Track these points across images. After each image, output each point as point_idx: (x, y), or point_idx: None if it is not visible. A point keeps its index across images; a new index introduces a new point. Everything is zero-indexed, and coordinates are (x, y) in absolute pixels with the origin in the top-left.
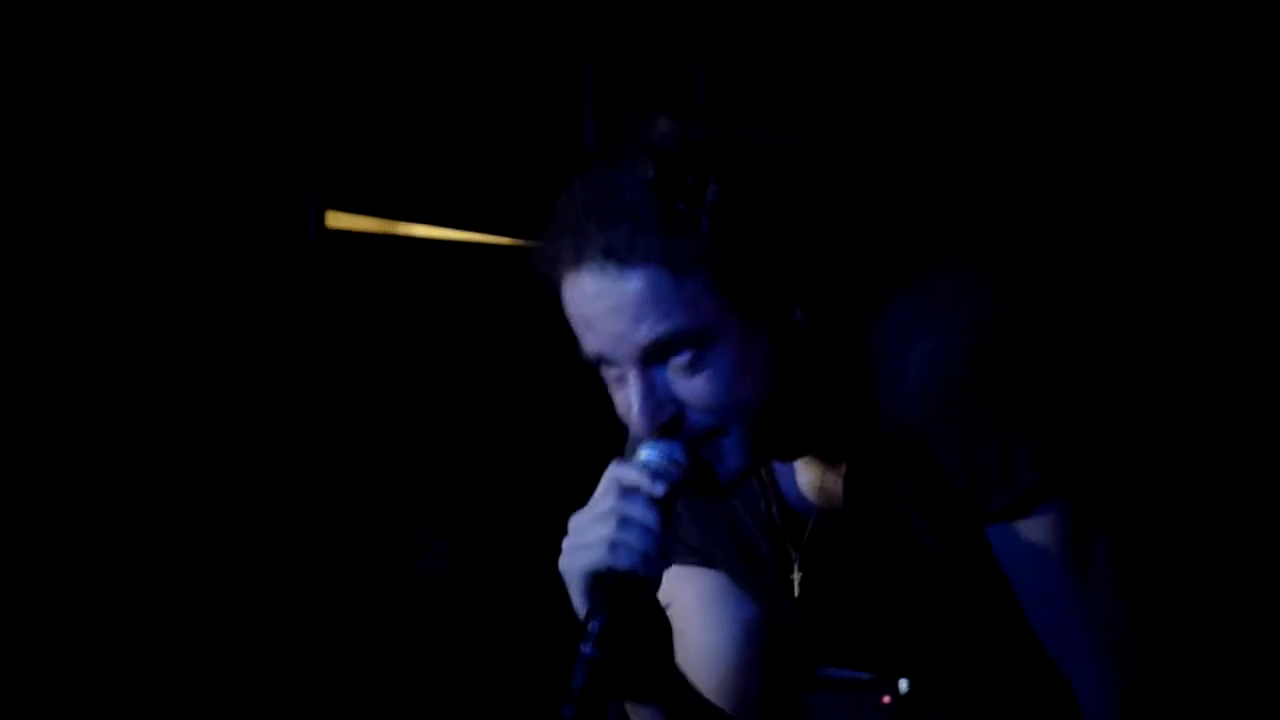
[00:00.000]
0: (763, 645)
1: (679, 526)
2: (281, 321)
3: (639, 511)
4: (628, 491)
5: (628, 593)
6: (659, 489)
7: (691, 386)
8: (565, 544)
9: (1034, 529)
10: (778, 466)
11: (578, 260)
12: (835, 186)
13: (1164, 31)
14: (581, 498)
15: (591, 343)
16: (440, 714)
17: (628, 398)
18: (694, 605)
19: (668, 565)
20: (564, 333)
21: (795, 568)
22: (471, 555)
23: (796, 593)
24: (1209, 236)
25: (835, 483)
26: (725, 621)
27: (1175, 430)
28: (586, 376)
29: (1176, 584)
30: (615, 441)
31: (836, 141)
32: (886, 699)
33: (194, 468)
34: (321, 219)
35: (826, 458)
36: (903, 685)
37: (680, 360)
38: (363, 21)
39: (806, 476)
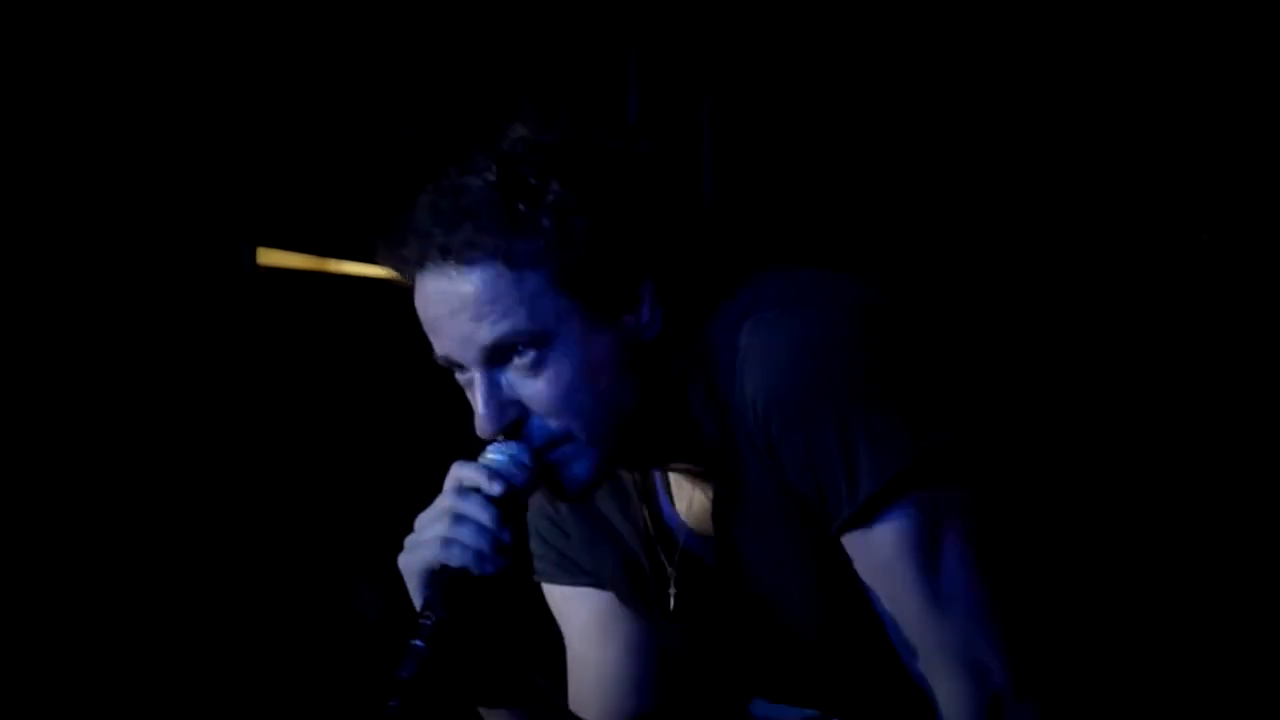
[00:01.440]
0: (653, 665)
1: (568, 547)
2: (212, 358)
3: (473, 509)
4: (465, 490)
5: (462, 590)
6: (495, 488)
7: (534, 388)
8: (406, 540)
9: (882, 537)
10: (656, 483)
11: (421, 262)
12: (683, 189)
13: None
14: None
15: (438, 345)
16: None
17: (474, 400)
18: (586, 625)
19: (505, 566)
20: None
21: (671, 584)
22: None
23: (672, 603)
24: (1062, 230)
25: (704, 501)
26: (615, 640)
27: (1041, 427)
28: None
29: (1048, 590)
30: None
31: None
32: None
33: (123, 505)
34: (253, 256)
35: (692, 472)
36: None
37: (522, 360)
38: (293, 61)
39: (681, 494)
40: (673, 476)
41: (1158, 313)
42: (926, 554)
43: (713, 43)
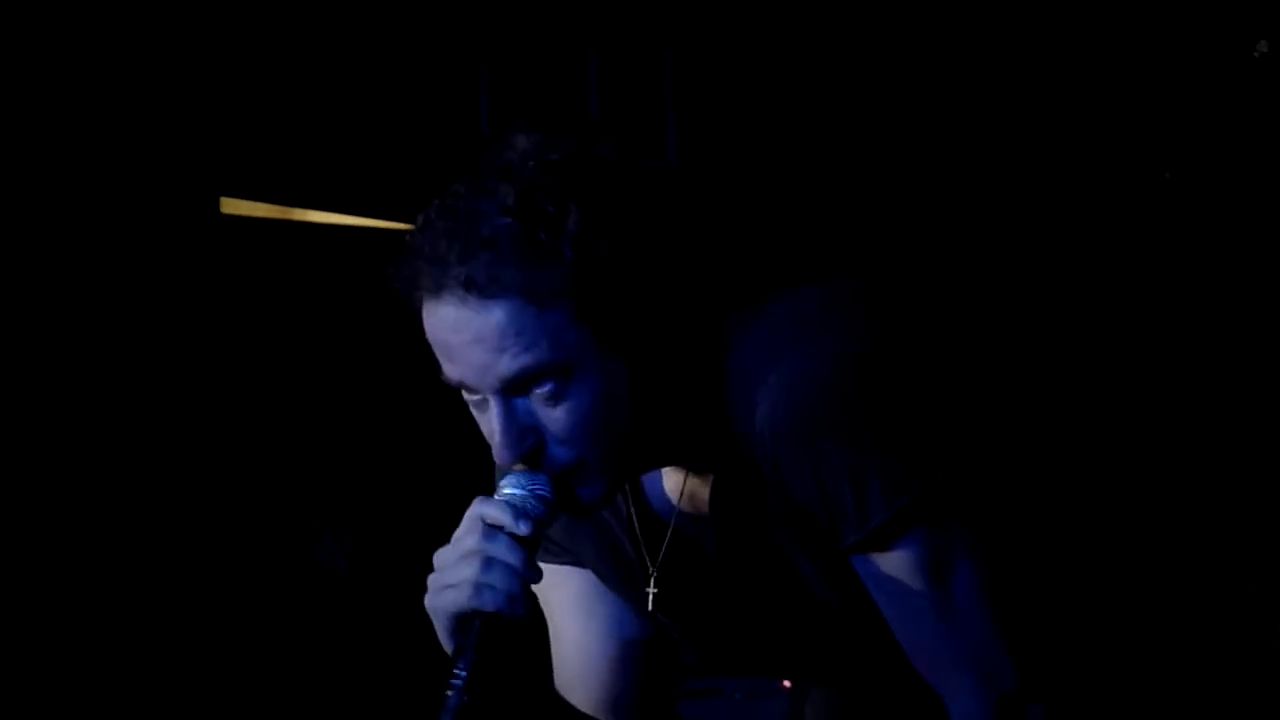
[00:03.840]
0: (636, 644)
1: (550, 529)
2: (177, 308)
3: (503, 552)
4: (491, 530)
5: (494, 631)
6: (523, 529)
7: (553, 417)
8: (430, 581)
9: (892, 561)
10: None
11: (438, 290)
12: (696, 209)
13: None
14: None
15: (452, 371)
16: (343, 702)
17: (489, 425)
18: (567, 604)
19: (525, 607)
20: None
21: (651, 576)
22: (369, 544)
23: (650, 602)
24: (1069, 251)
25: (701, 489)
26: (597, 620)
27: (1039, 448)
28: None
29: (1047, 596)
30: None
31: (707, 164)
32: (786, 684)
33: (88, 457)
34: (216, 205)
35: (693, 468)
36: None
37: (542, 391)
38: (258, 8)
39: (672, 481)
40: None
41: (1143, 300)
42: (936, 573)
43: (673, 6)
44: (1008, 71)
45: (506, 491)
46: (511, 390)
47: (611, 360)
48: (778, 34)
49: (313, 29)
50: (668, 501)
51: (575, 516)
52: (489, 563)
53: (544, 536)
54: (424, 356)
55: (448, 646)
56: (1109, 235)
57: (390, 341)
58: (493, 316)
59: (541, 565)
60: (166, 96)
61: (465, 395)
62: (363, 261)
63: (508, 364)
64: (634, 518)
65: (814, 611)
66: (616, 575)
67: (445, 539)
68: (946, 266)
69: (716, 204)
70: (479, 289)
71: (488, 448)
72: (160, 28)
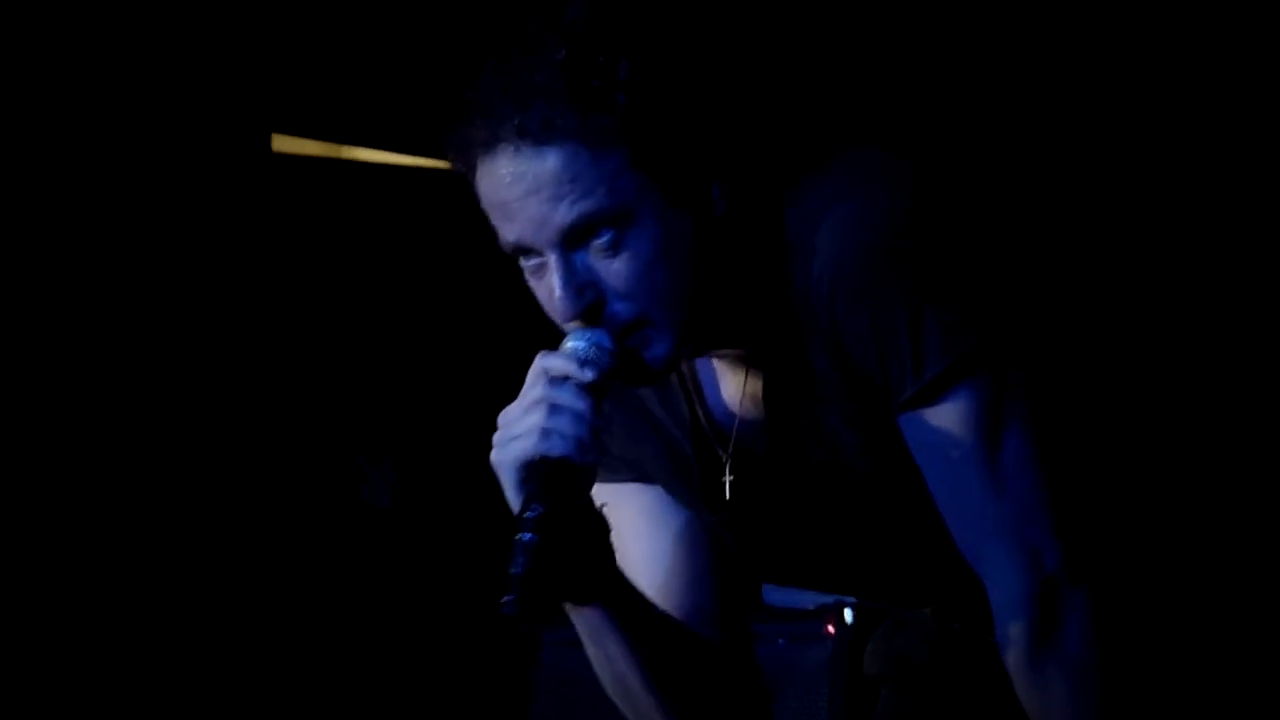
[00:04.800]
0: (706, 555)
1: (609, 439)
2: (227, 245)
3: (569, 398)
4: (556, 380)
5: (563, 480)
6: (588, 375)
7: (613, 269)
8: (496, 437)
9: (945, 416)
10: (701, 374)
11: (492, 143)
12: (752, 66)
13: None
14: None
15: (509, 231)
16: (387, 642)
17: (549, 285)
18: (633, 520)
19: (602, 454)
20: (505, 260)
21: (726, 470)
22: (415, 480)
23: (728, 495)
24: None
25: (756, 388)
26: (667, 534)
27: (1099, 323)
28: (530, 303)
29: (1099, 483)
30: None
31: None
32: (830, 629)
33: (140, 397)
34: (267, 142)
35: (741, 358)
36: (848, 615)
37: (601, 242)
38: None
39: (729, 384)
40: (718, 364)
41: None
42: (988, 432)
43: None
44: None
45: (570, 344)
46: (571, 242)
47: (669, 210)
48: None
49: None
50: (726, 406)
51: (640, 383)
52: (555, 409)
53: (607, 447)
54: (467, 294)
55: (515, 501)
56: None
57: (436, 280)
58: (548, 163)
59: (605, 485)
60: (218, 35)
61: (522, 262)
62: (412, 201)
63: (565, 211)
64: (701, 417)
65: (864, 503)
66: (681, 482)
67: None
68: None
69: (770, 61)
70: (533, 136)
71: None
72: None
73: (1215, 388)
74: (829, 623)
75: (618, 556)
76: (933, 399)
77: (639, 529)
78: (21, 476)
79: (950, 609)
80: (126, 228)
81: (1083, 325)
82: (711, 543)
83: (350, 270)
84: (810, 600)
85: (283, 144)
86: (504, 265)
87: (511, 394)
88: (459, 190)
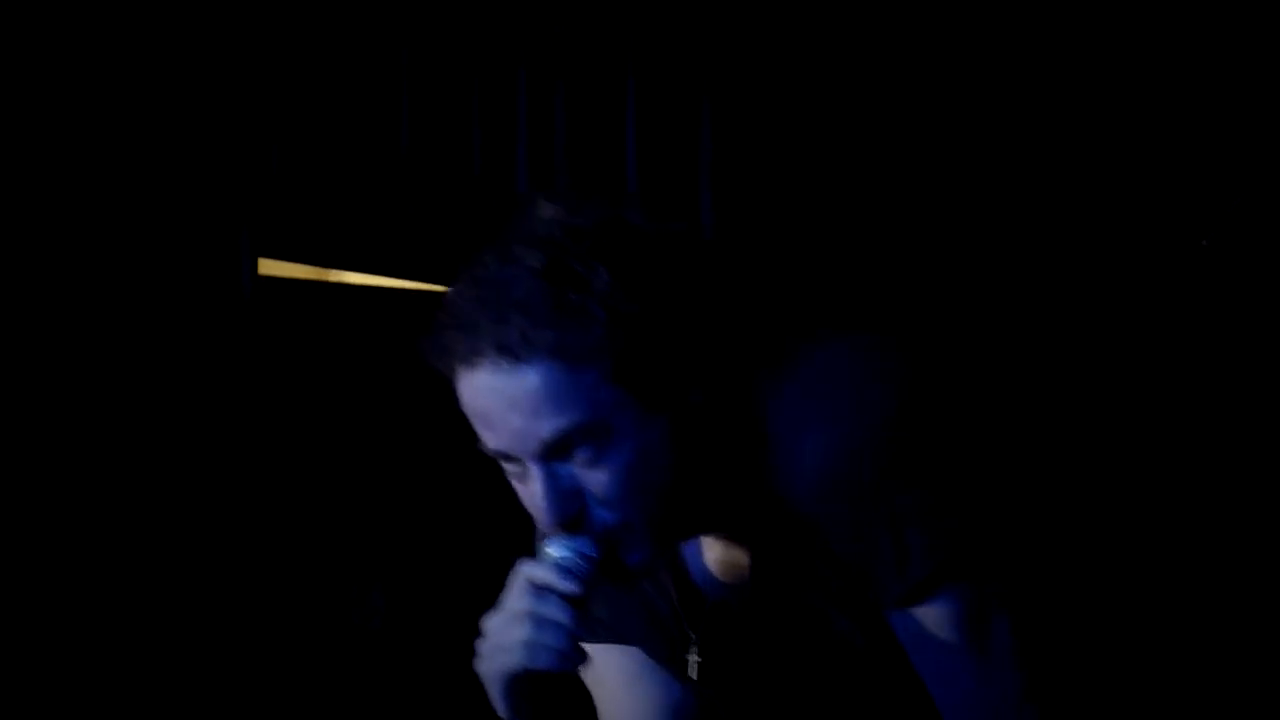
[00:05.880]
0: (684, 718)
1: (591, 604)
2: (214, 369)
3: (553, 611)
4: (540, 591)
5: (548, 687)
6: (572, 587)
7: (595, 479)
8: (482, 647)
9: (932, 616)
10: (684, 543)
11: (471, 357)
12: (725, 267)
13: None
14: (516, 547)
15: (491, 439)
16: None
17: (531, 492)
18: (614, 682)
19: (583, 660)
20: None
21: (693, 649)
22: (405, 605)
23: (694, 672)
24: (1065, 237)
25: (742, 558)
26: (645, 697)
27: (1071, 502)
28: None
29: (1083, 653)
30: None
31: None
32: None
33: (128, 518)
34: (254, 267)
35: (733, 536)
36: None
37: (583, 454)
38: (292, 70)
39: (714, 553)
40: (705, 537)
41: (1160, 317)
42: (975, 631)
43: (711, 46)
44: (1051, 131)
45: (552, 553)
46: (552, 455)
47: (649, 419)
48: (813, 90)
49: (352, 92)
50: (709, 574)
51: (621, 583)
52: (540, 623)
53: (589, 614)
54: (457, 418)
55: (503, 711)
56: (1129, 236)
57: (425, 403)
58: (527, 380)
59: (587, 646)
60: (205, 156)
61: (505, 466)
62: (399, 323)
63: (545, 427)
64: (676, 590)
65: (853, 677)
66: (661, 649)
67: (479, 598)
68: (974, 322)
69: (745, 263)
70: (512, 353)
71: (520, 508)
72: (198, 87)
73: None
74: None
75: (599, 713)
76: (917, 600)
77: (620, 689)
78: None
79: None
80: (113, 353)
81: (1060, 517)
82: (689, 705)
83: (339, 393)
84: None
85: (270, 268)
86: None
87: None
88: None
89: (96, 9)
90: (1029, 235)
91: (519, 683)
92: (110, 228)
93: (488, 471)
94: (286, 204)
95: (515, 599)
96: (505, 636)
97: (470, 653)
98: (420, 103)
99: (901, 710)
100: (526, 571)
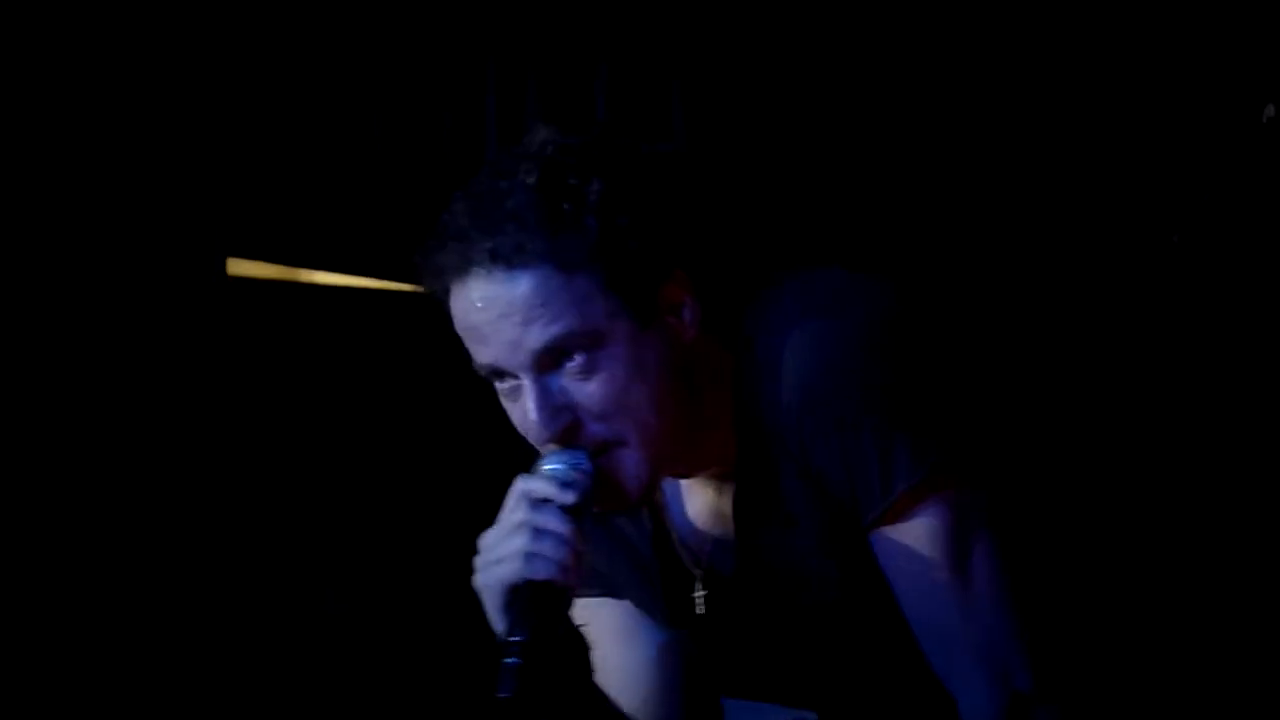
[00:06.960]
0: (677, 670)
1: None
2: (184, 369)
3: (552, 521)
4: (538, 503)
5: (547, 602)
6: (569, 497)
7: (586, 391)
8: (478, 561)
9: (914, 532)
10: (667, 490)
11: (464, 268)
12: (717, 187)
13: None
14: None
15: (483, 354)
16: None
17: (524, 407)
18: (608, 632)
19: (584, 575)
20: (470, 379)
21: (698, 585)
22: (371, 608)
23: (699, 610)
24: (1084, 237)
25: (726, 505)
26: (640, 645)
27: (1060, 430)
28: (495, 422)
29: (1066, 593)
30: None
31: (725, 150)
32: None
33: (95, 515)
34: (223, 266)
35: (717, 476)
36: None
37: (574, 365)
38: (262, 70)
39: (696, 500)
40: (684, 483)
41: (1132, 313)
42: (957, 552)
43: (682, 31)
44: (1021, 126)
45: (547, 467)
46: (543, 365)
47: (640, 332)
48: (784, 75)
49: (319, 88)
50: (692, 523)
51: (619, 510)
52: (538, 533)
53: (586, 563)
54: (428, 417)
55: (499, 624)
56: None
57: (398, 401)
58: (520, 286)
59: (579, 599)
60: (174, 156)
61: (497, 384)
62: (369, 323)
63: (538, 334)
64: (672, 535)
65: (832, 620)
66: (650, 598)
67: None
68: (958, 261)
69: (734, 184)
70: (505, 260)
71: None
72: (167, 86)
73: (1177, 499)
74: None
75: (595, 666)
76: (902, 516)
77: (614, 640)
78: None
79: None
80: (81, 353)
81: (1042, 444)
82: (680, 656)
83: (309, 393)
84: (775, 716)
85: (239, 267)
86: (464, 389)
87: (475, 518)
88: (418, 312)
89: (64, 9)
90: (1002, 228)
91: (517, 594)
92: (79, 227)
93: (459, 469)
94: (256, 203)
95: (512, 511)
96: (503, 547)
97: (446, 652)
98: (389, 97)
99: (876, 655)
100: (524, 485)
